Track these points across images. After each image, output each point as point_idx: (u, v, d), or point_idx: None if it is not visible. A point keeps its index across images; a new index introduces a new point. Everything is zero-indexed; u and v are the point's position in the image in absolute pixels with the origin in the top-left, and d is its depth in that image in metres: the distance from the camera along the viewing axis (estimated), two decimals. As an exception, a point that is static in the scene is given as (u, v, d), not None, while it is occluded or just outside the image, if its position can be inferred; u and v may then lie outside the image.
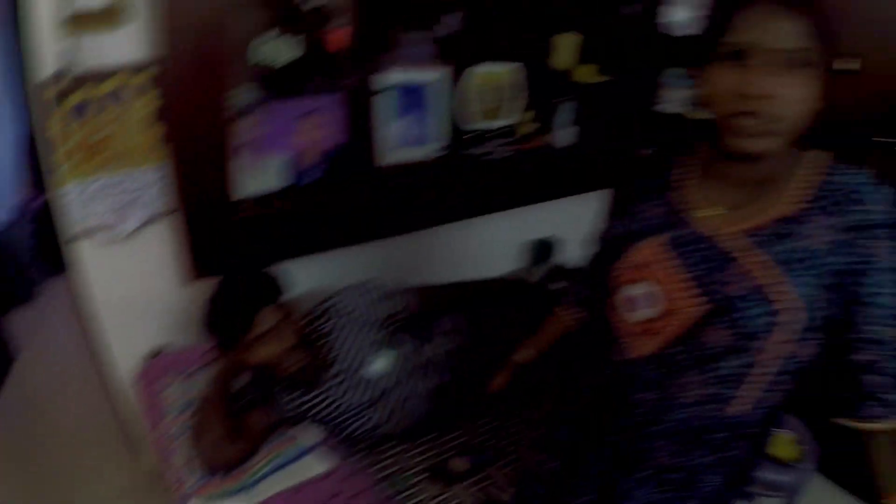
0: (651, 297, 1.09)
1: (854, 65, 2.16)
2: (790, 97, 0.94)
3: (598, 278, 1.33)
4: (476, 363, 2.00)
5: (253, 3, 1.80)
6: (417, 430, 1.93)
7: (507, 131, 2.44)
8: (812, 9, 0.94)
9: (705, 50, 1.00)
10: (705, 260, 1.05)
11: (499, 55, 2.35)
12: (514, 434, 1.96)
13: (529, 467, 1.47)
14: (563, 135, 2.60)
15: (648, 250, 1.11)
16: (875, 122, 2.31)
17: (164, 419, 1.64)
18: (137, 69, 1.66)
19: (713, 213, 1.08)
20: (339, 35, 2.00)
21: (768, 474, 1.85)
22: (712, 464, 1.17)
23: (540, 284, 2.67)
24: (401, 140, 2.26)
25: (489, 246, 2.69)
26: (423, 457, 1.87)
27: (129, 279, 1.86)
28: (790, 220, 1.02)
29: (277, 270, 1.77)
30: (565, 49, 2.47)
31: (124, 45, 1.65)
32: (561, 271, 2.70)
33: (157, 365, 1.82)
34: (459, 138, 2.35)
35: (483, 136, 2.39)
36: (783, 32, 0.94)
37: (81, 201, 1.71)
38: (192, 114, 1.69)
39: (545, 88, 2.49)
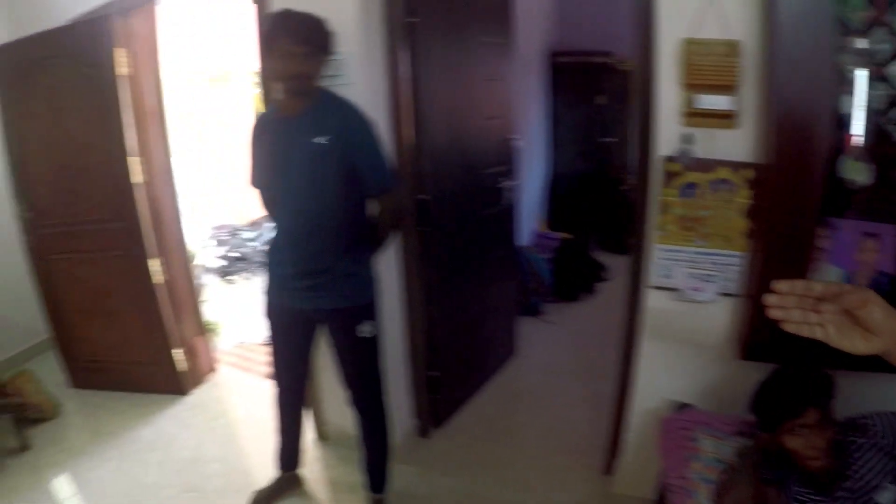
0: None
1: None
2: None
3: None
4: None
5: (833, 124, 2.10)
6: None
7: None
8: None
9: None
10: None
11: None
12: None
13: None
14: None
15: None
16: None
17: (687, 463, 2.10)
18: (739, 167, 2.10)
19: None
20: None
21: None
22: None
23: None
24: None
25: None
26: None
27: (684, 337, 2.33)
28: None
29: (831, 373, 2.01)
30: None
31: (733, 145, 2.11)
32: None
33: (687, 417, 2.26)
34: None
35: None
36: None
37: (666, 262, 2.27)
38: (778, 218, 2.05)
39: None
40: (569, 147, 6.32)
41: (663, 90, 2.17)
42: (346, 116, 2.26)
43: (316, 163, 2.24)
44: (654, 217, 2.26)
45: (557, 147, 6.34)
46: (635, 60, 2.27)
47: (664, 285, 2.29)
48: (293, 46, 2.13)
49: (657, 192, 2.22)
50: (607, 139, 6.31)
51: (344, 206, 2.31)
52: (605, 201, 6.20)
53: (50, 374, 4.03)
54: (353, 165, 2.25)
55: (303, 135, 2.24)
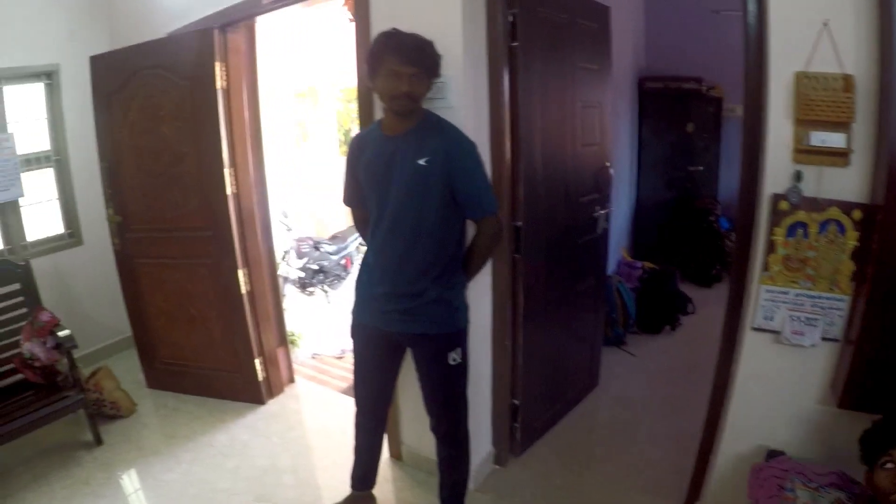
0: None
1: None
2: None
3: None
4: None
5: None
6: None
7: None
8: None
9: None
10: None
11: None
12: None
13: None
14: None
15: None
16: None
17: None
18: (850, 207, 2.03)
19: None
20: None
21: None
22: None
23: None
24: None
25: None
26: None
27: (781, 381, 2.26)
28: None
29: None
30: None
31: (842, 184, 2.04)
32: None
33: (780, 465, 2.19)
34: None
35: None
36: None
37: (769, 304, 2.21)
38: (886, 261, 1.97)
39: None
40: (654, 174, 6.24)
41: (772, 125, 2.11)
42: (448, 138, 2.28)
43: (416, 184, 2.25)
44: (757, 256, 2.21)
45: (642, 174, 6.27)
46: (743, 93, 2.22)
47: (766, 328, 2.23)
48: (402, 66, 2.17)
49: (764, 230, 2.17)
50: (695, 167, 6.23)
51: (441, 229, 2.31)
52: (691, 231, 6.09)
53: (127, 372, 4.20)
54: (452, 188, 2.26)
55: (404, 155, 2.26)
